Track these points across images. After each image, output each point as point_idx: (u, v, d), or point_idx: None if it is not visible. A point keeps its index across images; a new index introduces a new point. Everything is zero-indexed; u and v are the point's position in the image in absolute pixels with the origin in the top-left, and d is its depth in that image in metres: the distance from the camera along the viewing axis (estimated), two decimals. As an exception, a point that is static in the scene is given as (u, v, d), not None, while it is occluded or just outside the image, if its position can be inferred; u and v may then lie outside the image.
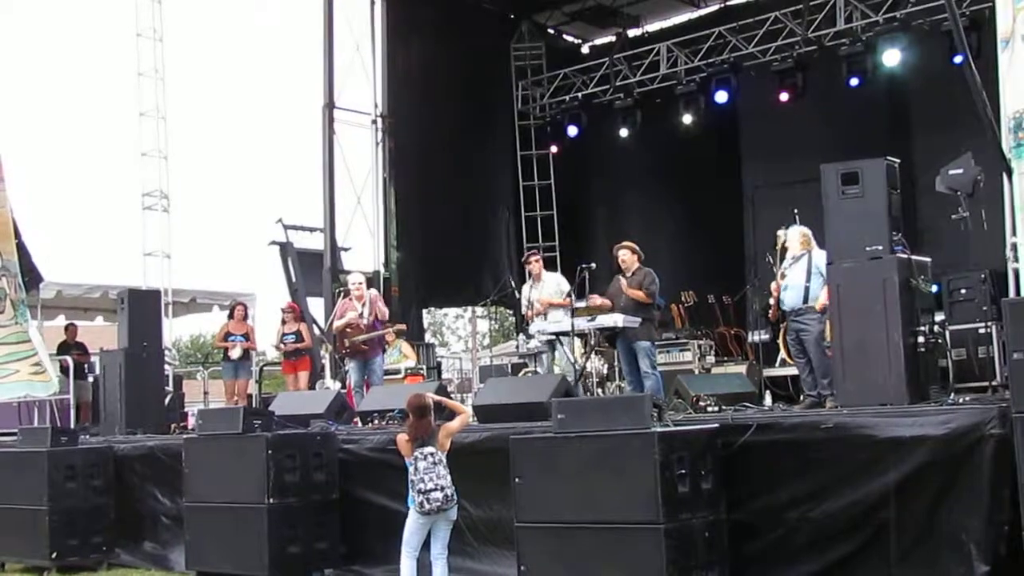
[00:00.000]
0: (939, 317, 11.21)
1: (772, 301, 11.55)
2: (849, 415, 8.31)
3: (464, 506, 9.21)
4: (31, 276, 15.78)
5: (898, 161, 9.62)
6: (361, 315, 14.21)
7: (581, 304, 12.82)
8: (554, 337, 13.08)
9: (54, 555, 12.29)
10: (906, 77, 18.34)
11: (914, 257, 9.33)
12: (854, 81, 18.20)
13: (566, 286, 13.47)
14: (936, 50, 17.16)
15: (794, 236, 11.42)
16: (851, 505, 7.85)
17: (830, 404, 10.25)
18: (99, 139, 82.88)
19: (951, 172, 10.36)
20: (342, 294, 16.29)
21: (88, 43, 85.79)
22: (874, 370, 8.82)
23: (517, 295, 15.44)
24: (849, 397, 9.01)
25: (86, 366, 17.76)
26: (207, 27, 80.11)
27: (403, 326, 16.15)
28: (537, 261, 14.07)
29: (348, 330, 14.20)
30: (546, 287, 13.67)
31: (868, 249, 9.12)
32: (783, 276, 11.35)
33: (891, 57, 17.70)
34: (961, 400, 8.84)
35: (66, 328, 18.58)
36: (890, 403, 8.51)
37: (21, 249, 15.39)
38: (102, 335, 19.50)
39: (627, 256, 12.82)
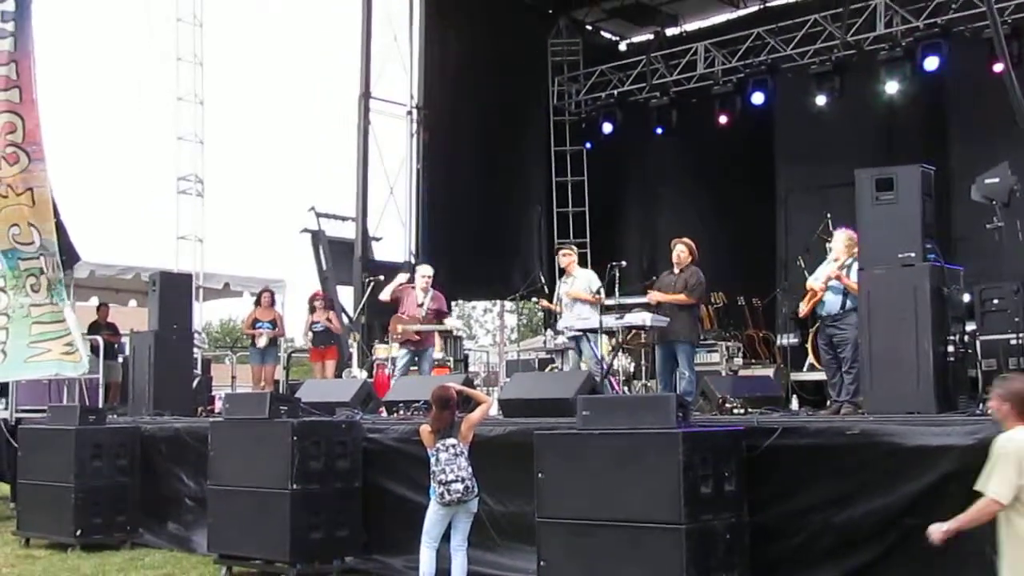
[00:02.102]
0: (970, 327, 11.11)
1: (806, 303, 11.40)
2: (876, 422, 8.27)
3: (486, 499, 9.24)
4: (68, 256, 15.85)
5: (934, 168, 9.54)
6: (422, 305, 14.30)
7: (634, 300, 12.79)
8: (582, 334, 13.05)
9: (78, 532, 12.40)
10: (945, 84, 18.21)
11: (947, 265, 9.27)
12: (892, 86, 18.09)
13: (596, 283, 13.42)
14: (976, 57, 17.01)
15: (840, 240, 11.28)
16: (875, 512, 7.80)
17: (845, 410, 10.20)
18: (137, 122, 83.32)
19: (987, 181, 10.29)
20: (372, 283, 16.35)
21: (128, 27, 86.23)
22: (902, 378, 8.77)
23: (547, 291, 15.42)
24: (876, 404, 8.96)
25: (116, 346, 17.86)
26: (246, 13, 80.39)
27: (449, 328, 16.18)
28: (567, 255, 13.99)
29: (404, 317, 14.28)
30: (577, 282, 13.62)
31: (900, 256, 9.06)
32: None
33: (930, 63, 17.57)
34: (990, 411, 8.77)
35: (98, 308, 18.69)
36: (918, 411, 8.46)
37: (59, 228, 15.49)
38: (134, 318, 19.60)
39: (683, 252, 12.70)
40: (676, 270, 12.70)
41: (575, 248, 14.44)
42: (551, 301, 14.55)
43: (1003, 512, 5.96)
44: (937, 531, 6.24)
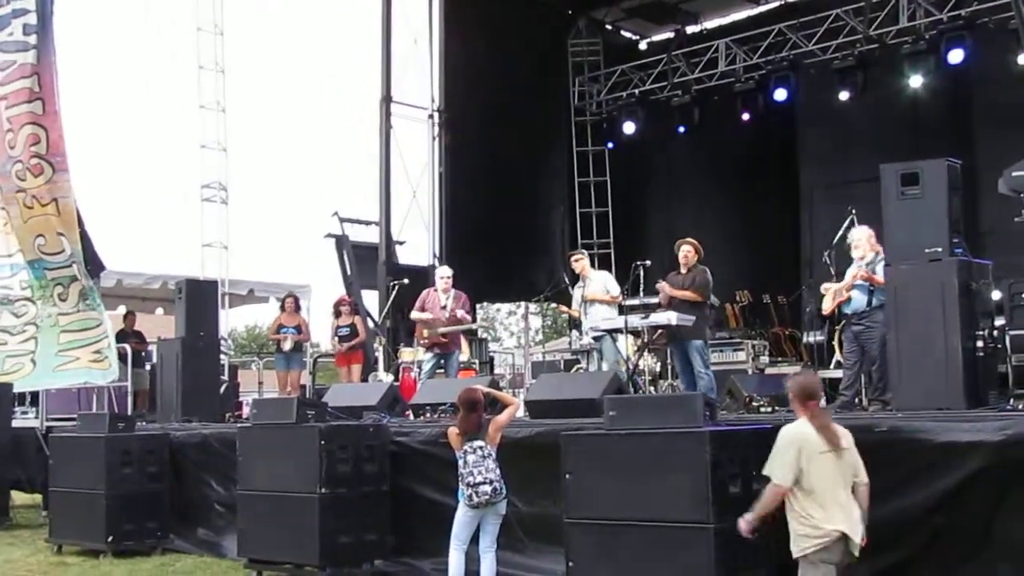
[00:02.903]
0: (999, 322, 11.04)
1: (831, 299, 11.33)
2: (904, 419, 8.21)
3: (513, 501, 9.23)
4: (93, 265, 15.96)
5: (960, 162, 9.47)
6: (444, 307, 14.33)
7: (652, 300, 12.79)
8: (607, 334, 13.04)
9: (110, 539, 12.45)
10: (970, 76, 18.09)
11: (974, 260, 9.20)
12: (916, 80, 18.00)
13: (613, 284, 13.49)
14: (1001, 49, 16.92)
15: (862, 237, 11.23)
16: (903, 511, 7.73)
17: (874, 408, 10.15)
18: (160, 131, 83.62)
19: (1014, 174, 10.24)
20: (396, 287, 16.37)
21: (149, 38, 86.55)
22: (931, 374, 8.72)
23: (570, 292, 15.39)
24: (905, 400, 8.91)
25: (143, 354, 17.95)
26: (267, 20, 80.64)
27: (475, 326, 16.21)
28: (577, 261, 14.10)
29: (429, 321, 14.31)
30: (593, 284, 13.68)
31: (927, 251, 9.01)
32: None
33: (955, 56, 17.45)
34: (1020, 406, 8.72)
35: (124, 316, 18.78)
36: (946, 408, 8.40)
37: (84, 238, 15.59)
38: (161, 326, 19.69)
39: (689, 252, 12.75)
40: (684, 270, 12.71)
41: (584, 252, 14.53)
42: (570, 304, 14.57)
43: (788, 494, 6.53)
44: (743, 522, 6.69)
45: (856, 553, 6.58)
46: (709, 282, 12.67)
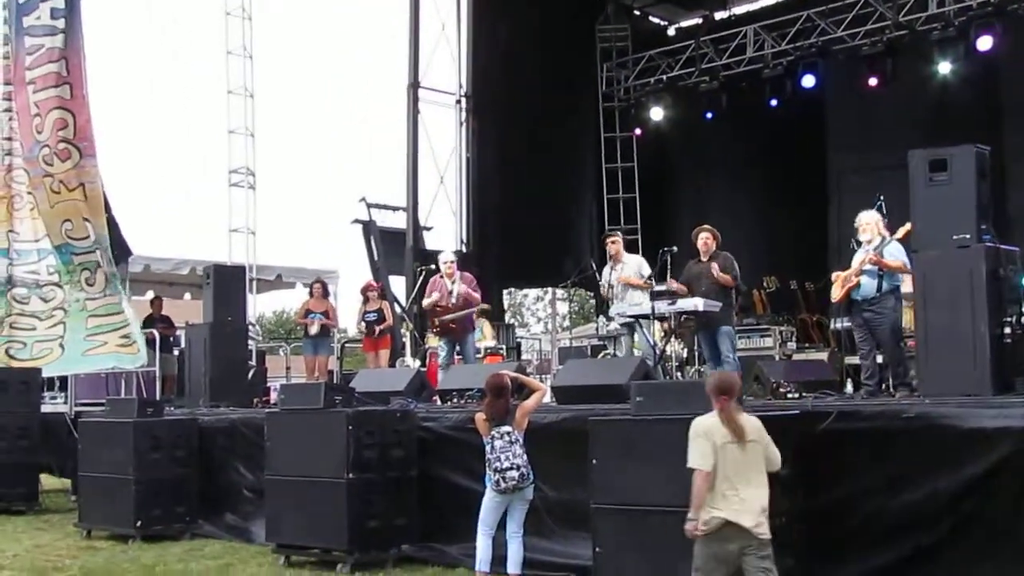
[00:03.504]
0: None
1: (839, 287, 11.30)
2: (932, 405, 8.20)
3: (541, 486, 9.24)
4: (120, 250, 16.07)
5: (988, 148, 9.42)
6: (451, 292, 14.28)
7: (660, 287, 12.74)
8: (634, 320, 13.01)
9: (139, 524, 12.52)
10: (998, 63, 18.02)
11: (1002, 247, 9.16)
12: (945, 67, 17.90)
13: (647, 269, 13.37)
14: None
15: (868, 221, 11.19)
16: (931, 497, 7.74)
17: (901, 394, 10.12)
18: (188, 117, 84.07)
19: (1043, 161, 10.16)
20: (423, 272, 16.38)
21: (178, 22, 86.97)
22: (958, 360, 8.68)
23: (598, 277, 15.36)
24: (932, 387, 8.88)
25: (171, 339, 18.04)
26: (294, 6, 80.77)
27: (486, 306, 16.19)
28: (614, 242, 13.88)
29: (437, 308, 14.28)
30: (627, 268, 13.51)
31: (955, 238, 8.96)
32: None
33: (984, 43, 17.35)
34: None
35: (152, 302, 18.89)
36: (974, 394, 8.38)
37: (111, 223, 15.69)
38: (189, 311, 19.81)
39: (708, 239, 12.72)
40: (704, 258, 12.66)
41: (621, 234, 14.33)
42: (598, 288, 14.47)
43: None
44: (687, 524, 6.75)
45: (761, 540, 6.64)
46: (736, 266, 12.64)
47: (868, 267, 10.84)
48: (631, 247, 16.27)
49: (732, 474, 6.70)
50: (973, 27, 17.41)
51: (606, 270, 13.90)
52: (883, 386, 10.95)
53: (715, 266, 12.53)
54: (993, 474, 7.51)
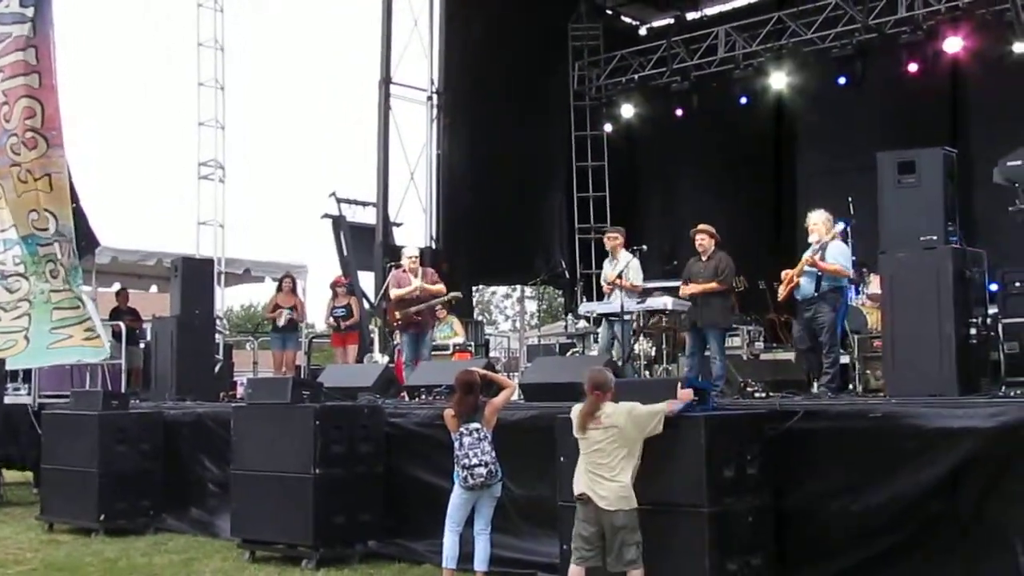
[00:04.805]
0: (992, 310, 11.08)
1: (784, 288, 11.38)
2: (898, 404, 8.26)
3: (508, 483, 9.24)
4: (88, 241, 15.92)
5: (955, 151, 9.50)
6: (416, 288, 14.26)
7: (654, 284, 12.74)
8: (616, 318, 13.01)
9: (102, 517, 12.45)
10: (966, 67, 18.12)
11: (969, 248, 9.23)
12: (913, 67, 18.03)
13: (633, 273, 13.25)
14: (997, 40, 16.95)
15: (819, 220, 11.27)
16: (898, 496, 7.79)
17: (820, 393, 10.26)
18: (158, 109, 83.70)
19: (1009, 164, 10.25)
20: (392, 268, 16.34)
21: (148, 13, 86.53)
22: (925, 360, 8.74)
23: (567, 276, 15.42)
24: (898, 387, 8.93)
25: (137, 332, 17.93)
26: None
27: (458, 294, 16.15)
28: (609, 239, 13.87)
29: (404, 301, 14.22)
30: (618, 266, 13.49)
31: (923, 239, 9.03)
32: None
33: (952, 46, 17.52)
34: (1012, 393, 8.75)
35: (117, 294, 18.76)
36: (940, 394, 8.43)
37: (78, 214, 15.54)
38: (156, 304, 19.68)
39: (704, 240, 12.68)
40: (703, 257, 12.67)
41: (620, 231, 14.15)
42: (574, 285, 14.49)
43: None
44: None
45: (614, 519, 7.39)
46: (732, 267, 12.62)
47: (808, 268, 10.93)
48: (600, 245, 16.28)
49: (590, 454, 7.55)
50: (941, 30, 17.55)
51: (606, 263, 13.93)
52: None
53: (689, 288, 12.53)
54: (958, 474, 7.57)
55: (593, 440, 7.55)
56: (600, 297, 14.29)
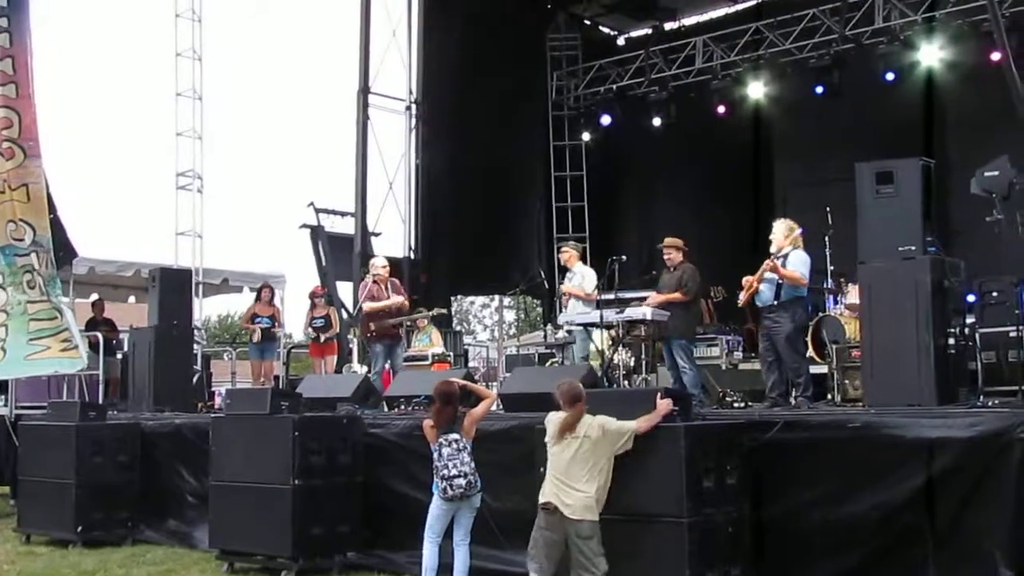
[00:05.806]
0: (970, 320, 11.13)
1: (744, 294, 11.36)
2: (876, 414, 8.29)
3: (488, 494, 9.22)
4: (65, 251, 15.84)
5: (933, 161, 9.55)
6: (388, 298, 14.27)
7: (633, 294, 12.80)
8: (582, 328, 13.08)
9: (79, 529, 12.39)
10: (944, 77, 18.21)
11: (947, 258, 9.28)
12: (890, 76, 18.14)
13: (588, 282, 13.48)
14: (975, 50, 17.05)
15: (779, 230, 11.28)
16: (876, 506, 7.81)
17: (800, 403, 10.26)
18: (136, 118, 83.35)
19: (987, 174, 10.30)
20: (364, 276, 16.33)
21: (127, 23, 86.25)
22: (903, 370, 8.79)
23: (546, 286, 15.42)
24: (877, 396, 8.97)
25: (114, 342, 17.85)
26: (245, 9, 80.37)
27: (443, 310, 16.12)
28: (565, 252, 14.20)
29: (382, 313, 14.22)
30: (574, 279, 13.76)
31: (901, 249, 9.09)
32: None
33: (929, 56, 17.64)
34: (990, 403, 8.79)
35: (93, 304, 18.67)
36: (918, 404, 8.47)
37: (56, 224, 15.45)
38: (133, 314, 19.60)
39: (672, 253, 12.75)
40: (671, 269, 12.74)
41: (575, 244, 14.46)
42: (552, 296, 14.62)
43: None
44: None
45: (579, 528, 7.49)
46: (697, 279, 12.65)
47: (768, 275, 10.94)
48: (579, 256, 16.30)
49: (562, 465, 7.63)
50: (918, 41, 17.67)
51: (566, 277, 14.11)
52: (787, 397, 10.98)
53: (653, 298, 12.59)
54: (935, 485, 7.59)
55: (565, 450, 7.64)
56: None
